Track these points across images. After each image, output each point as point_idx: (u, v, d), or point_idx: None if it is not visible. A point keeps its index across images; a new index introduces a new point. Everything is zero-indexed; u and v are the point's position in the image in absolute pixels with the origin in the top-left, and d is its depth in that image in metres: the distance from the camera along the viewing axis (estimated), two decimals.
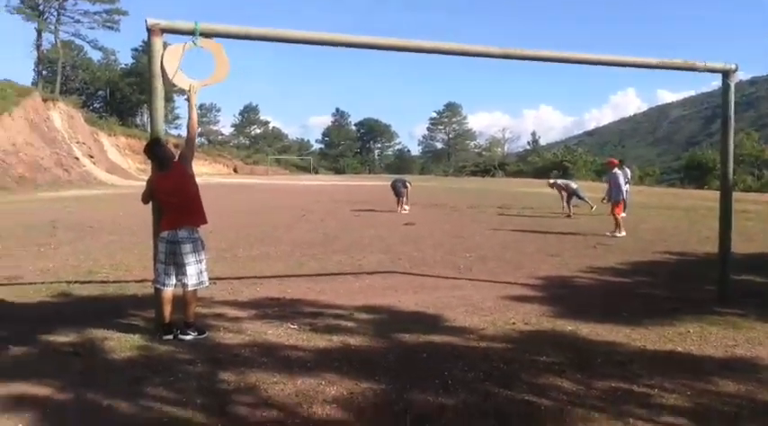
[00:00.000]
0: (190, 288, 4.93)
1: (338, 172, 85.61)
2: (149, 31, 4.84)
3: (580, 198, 17.81)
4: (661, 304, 6.44)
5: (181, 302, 4.94)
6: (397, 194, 18.42)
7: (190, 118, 5.11)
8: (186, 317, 4.95)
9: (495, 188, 35.96)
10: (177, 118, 76.03)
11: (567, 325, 5.42)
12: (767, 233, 13.12)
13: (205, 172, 62.84)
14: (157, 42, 4.87)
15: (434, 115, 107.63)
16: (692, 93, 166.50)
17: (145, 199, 5.11)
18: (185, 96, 5.08)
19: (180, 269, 4.91)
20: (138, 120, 74.91)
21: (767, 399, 3.75)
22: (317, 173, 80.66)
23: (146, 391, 3.74)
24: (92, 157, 41.95)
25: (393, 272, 8.17)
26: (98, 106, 70.93)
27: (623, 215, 13.28)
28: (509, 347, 4.76)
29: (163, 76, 4.93)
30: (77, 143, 41.13)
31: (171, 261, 4.89)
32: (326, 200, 23.51)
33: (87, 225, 13.39)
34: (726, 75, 6.08)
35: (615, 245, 11.07)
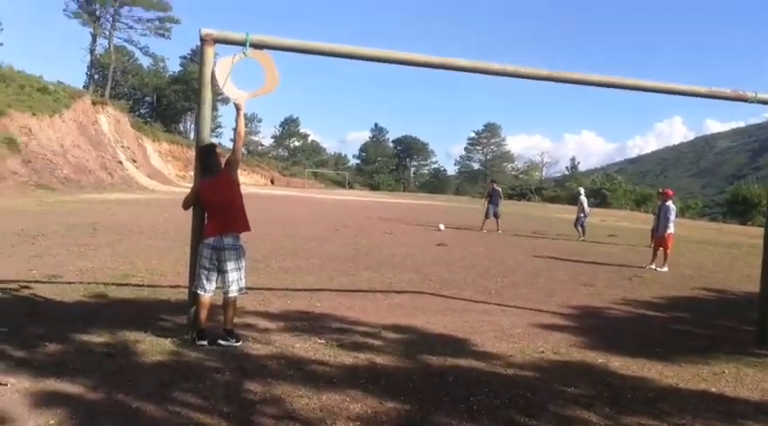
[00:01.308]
0: (230, 295, 5.04)
1: (373, 188, 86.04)
2: (202, 40, 5.00)
3: (582, 224, 18.33)
4: (696, 341, 6.26)
5: (218, 309, 5.03)
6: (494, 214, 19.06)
7: (237, 127, 5.24)
8: (226, 323, 5.05)
9: (531, 212, 35.59)
10: (219, 126, 77.66)
11: (598, 358, 5.32)
12: None
13: (242, 181, 63.37)
14: (209, 51, 5.03)
15: (473, 135, 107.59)
16: (741, 124, 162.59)
17: (186, 205, 5.24)
18: (234, 105, 5.20)
19: (222, 275, 5.02)
20: (181, 127, 76.97)
21: None
22: (351, 188, 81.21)
23: (174, 396, 3.81)
24: (135, 162, 43.19)
25: (423, 293, 8.15)
26: (144, 111, 73.22)
27: (656, 250, 12.79)
28: (536, 376, 4.69)
29: (213, 85, 5.07)
30: (122, 147, 42.45)
31: (214, 267, 5.00)
32: (360, 216, 23.64)
33: (126, 228, 13.75)
34: None
35: (651, 279, 10.80)
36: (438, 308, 7.21)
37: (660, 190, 14.17)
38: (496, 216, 19.41)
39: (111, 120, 42.93)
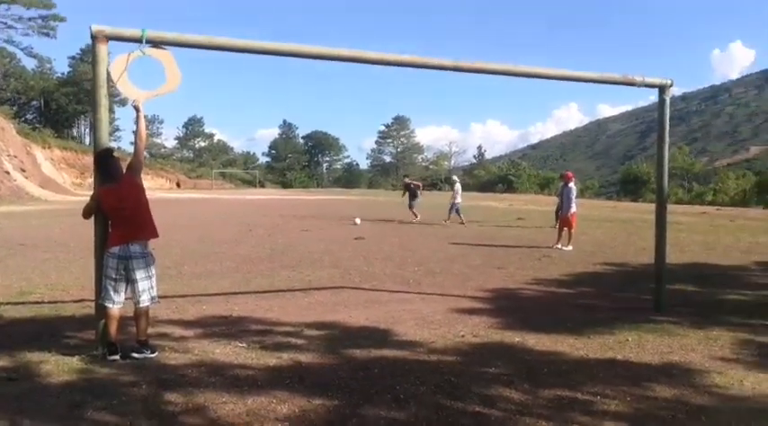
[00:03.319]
0: (142, 305, 4.79)
1: (285, 186, 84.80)
2: (94, 38, 4.68)
3: (457, 209, 19.54)
4: (602, 313, 6.69)
5: (128, 321, 4.77)
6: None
7: (138, 129, 4.96)
8: (139, 335, 4.80)
9: (442, 202, 36.42)
10: (117, 129, 73.73)
11: (515, 337, 5.55)
12: (699, 244, 13.85)
13: (147, 186, 60.29)
14: (102, 49, 4.72)
15: (383, 128, 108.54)
16: (630, 107, 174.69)
17: (86, 214, 4.92)
18: (132, 106, 4.93)
19: (131, 285, 4.76)
20: (74, 132, 72.02)
21: (701, 403, 3.94)
22: (263, 186, 79.63)
23: (87, 415, 3.58)
24: (24, 171, 39.99)
25: (343, 288, 8.15)
26: (31, 117, 67.79)
27: (560, 230, 13.51)
28: (459, 360, 4.83)
29: (109, 86, 4.78)
30: (8, 156, 39.09)
31: (122, 277, 4.73)
32: (273, 215, 23.23)
33: (18, 242, 12.73)
34: (662, 90, 6.43)
35: (558, 257, 11.41)
36: (359, 301, 7.24)
37: (561, 174, 15.00)
38: (411, 207, 20.82)
39: None
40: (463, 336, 5.57)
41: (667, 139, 6.61)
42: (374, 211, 24.08)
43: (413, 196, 21.04)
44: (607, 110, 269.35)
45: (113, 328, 4.77)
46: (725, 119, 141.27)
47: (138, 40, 4.80)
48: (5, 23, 55.25)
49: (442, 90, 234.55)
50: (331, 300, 7.34)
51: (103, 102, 4.79)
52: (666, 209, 6.82)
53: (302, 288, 8.05)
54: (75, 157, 54.19)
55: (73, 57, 71.19)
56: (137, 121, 4.95)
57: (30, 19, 55.29)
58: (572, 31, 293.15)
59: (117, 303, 4.78)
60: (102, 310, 4.81)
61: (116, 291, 4.76)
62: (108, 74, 4.77)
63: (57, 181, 45.90)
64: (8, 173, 36.41)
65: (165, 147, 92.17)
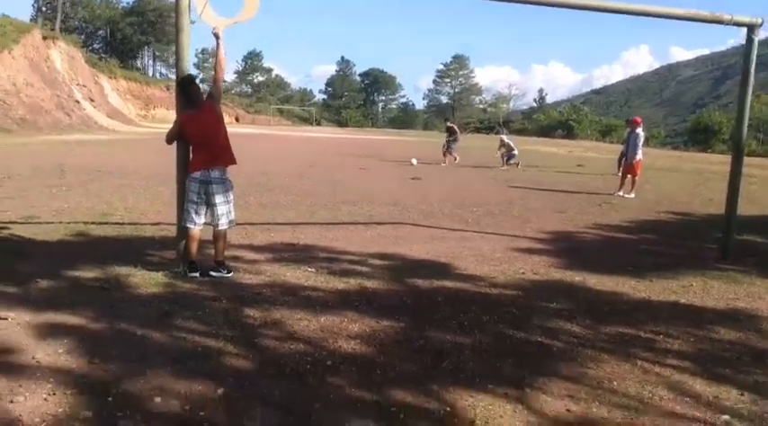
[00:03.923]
0: (220, 228, 5.09)
1: (341, 124, 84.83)
2: None
3: (513, 158, 19.17)
4: (664, 259, 6.62)
5: (205, 243, 5.08)
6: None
7: (218, 56, 5.11)
8: (217, 255, 5.12)
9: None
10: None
11: (575, 276, 5.61)
12: None
13: None
14: None
15: (441, 67, 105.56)
16: (706, 51, 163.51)
17: (170, 140, 5.17)
18: (212, 33, 5.05)
19: (211, 209, 5.04)
20: (138, 64, 73.37)
21: (766, 347, 3.95)
22: (319, 124, 79.92)
23: (176, 323, 3.92)
24: (92, 101, 41.37)
25: (403, 223, 8.33)
26: (98, 47, 69.12)
27: (624, 177, 13.15)
28: (520, 294, 4.95)
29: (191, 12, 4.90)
30: (78, 85, 40.47)
31: (202, 200, 5.01)
32: (331, 153, 23.52)
33: (95, 169, 13.45)
34: (751, 29, 6.08)
35: (620, 204, 11.20)
36: (419, 237, 7.41)
37: (629, 119, 14.44)
38: (450, 150, 20.05)
39: (64, 57, 40.63)
40: (523, 273, 5.67)
41: (752, 83, 6.28)
42: (430, 152, 23.95)
43: (453, 139, 20.28)
44: (681, 54, 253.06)
45: (194, 247, 5.10)
46: None
47: None
48: None
49: (504, 29, 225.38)
50: (392, 234, 7.53)
51: (186, 28, 4.93)
52: (743, 158, 6.57)
53: (364, 222, 8.28)
54: (141, 89, 55.56)
55: None
56: (216, 49, 5.09)
57: None
58: None
59: (198, 224, 5.09)
60: (183, 231, 5.14)
61: (197, 213, 5.05)
62: (190, 0, 4.89)
63: (123, 112, 47.35)
64: (78, 101, 37.85)
65: (224, 81, 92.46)
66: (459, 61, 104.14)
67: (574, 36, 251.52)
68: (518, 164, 19.01)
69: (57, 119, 32.43)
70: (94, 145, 22.42)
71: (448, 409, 2.87)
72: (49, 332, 3.70)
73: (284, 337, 3.74)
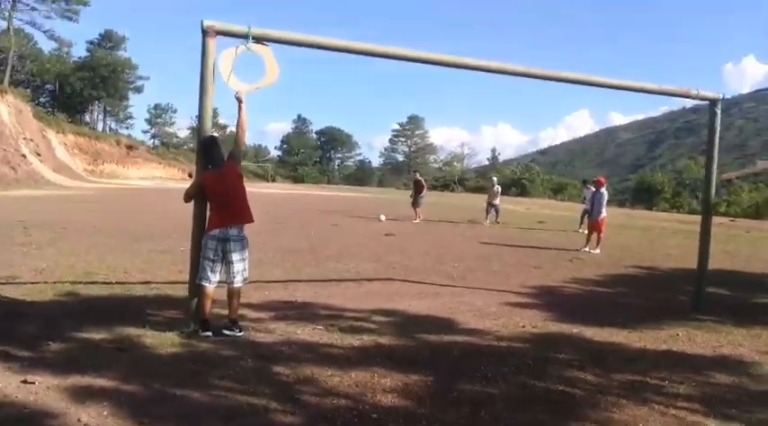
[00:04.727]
0: (236, 285, 5.17)
1: (296, 180, 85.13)
2: (204, 32, 5.05)
3: (497, 209, 20.15)
4: (644, 311, 7.05)
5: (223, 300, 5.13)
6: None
7: (240, 119, 5.34)
8: (231, 313, 5.18)
9: (458, 203, 36.75)
10: (129, 117, 74.87)
11: (572, 328, 5.93)
12: (721, 252, 14.11)
13: (158, 175, 61.11)
14: (211, 44, 5.07)
15: (397, 127, 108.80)
16: (641, 116, 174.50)
17: (188, 198, 5.29)
18: (235, 97, 5.27)
19: (227, 266, 5.13)
20: (87, 118, 72.09)
21: (760, 389, 4.31)
22: (274, 180, 79.93)
23: (210, 382, 3.96)
24: (39, 155, 40.17)
25: (392, 280, 8.52)
26: (45, 100, 67.64)
27: (590, 234, 13.78)
28: (527, 346, 5.20)
29: (215, 78, 5.13)
30: (24, 139, 39.37)
31: (219, 258, 5.10)
32: (297, 209, 23.66)
33: (59, 226, 13.13)
34: (713, 103, 6.79)
35: (589, 260, 11.76)
36: (412, 293, 7.61)
37: (593, 179, 15.33)
38: (416, 205, 20.04)
39: (12, 110, 39.60)
40: (523, 327, 5.94)
41: (716, 150, 6.95)
42: (394, 209, 24.43)
43: (419, 194, 20.10)
44: (618, 119, 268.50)
45: (208, 305, 5.15)
46: (734, 132, 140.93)
47: (244, 36, 5.16)
48: (28, 5, 55.26)
49: (454, 91, 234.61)
50: (385, 290, 7.71)
51: (210, 91, 5.15)
52: (711, 216, 7.17)
53: (353, 279, 8.43)
54: (89, 143, 54.40)
55: (91, 42, 71.27)
56: (239, 112, 5.32)
57: (53, 1, 55.19)
58: (582, 41, 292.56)
59: (213, 282, 5.16)
60: (197, 288, 5.19)
61: (213, 271, 5.14)
62: (215, 66, 5.12)
63: (71, 166, 46.16)
64: (25, 156, 36.69)
65: (177, 137, 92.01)
66: (414, 122, 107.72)
67: (521, 98, 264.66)
68: (490, 221, 19.65)
69: (2, 173, 31.41)
70: (47, 201, 21.79)
71: None
72: (84, 394, 3.68)
73: (322, 393, 3.84)
